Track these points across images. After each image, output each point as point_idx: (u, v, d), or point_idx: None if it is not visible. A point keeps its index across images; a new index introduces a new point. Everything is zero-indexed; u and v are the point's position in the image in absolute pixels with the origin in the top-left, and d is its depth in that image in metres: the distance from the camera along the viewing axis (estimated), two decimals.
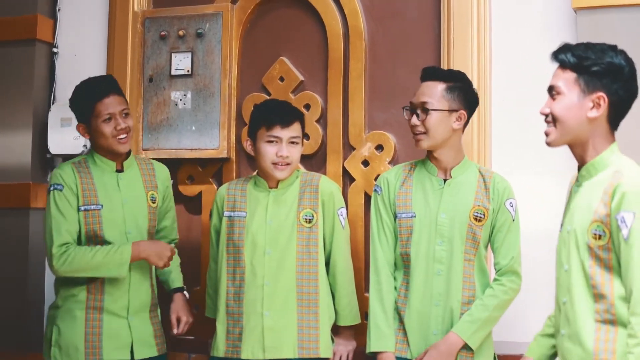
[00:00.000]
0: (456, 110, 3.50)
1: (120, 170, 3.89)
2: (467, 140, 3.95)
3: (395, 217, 3.60)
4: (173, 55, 4.58)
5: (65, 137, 4.65)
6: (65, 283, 3.80)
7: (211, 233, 3.90)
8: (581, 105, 2.79)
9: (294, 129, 3.72)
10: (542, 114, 2.87)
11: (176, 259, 4.06)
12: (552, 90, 2.86)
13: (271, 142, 3.69)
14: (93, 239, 3.76)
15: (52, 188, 3.76)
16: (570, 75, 2.81)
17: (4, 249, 4.75)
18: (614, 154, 2.83)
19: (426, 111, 3.47)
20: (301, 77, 4.43)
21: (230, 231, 3.78)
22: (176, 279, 4.04)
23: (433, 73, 3.57)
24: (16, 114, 4.80)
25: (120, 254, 3.68)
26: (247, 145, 3.81)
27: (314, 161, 4.37)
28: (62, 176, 3.77)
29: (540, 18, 4.05)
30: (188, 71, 4.54)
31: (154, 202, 3.93)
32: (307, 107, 4.37)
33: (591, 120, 2.79)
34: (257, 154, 3.74)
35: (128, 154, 3.92)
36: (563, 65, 2.84)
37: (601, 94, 2.77)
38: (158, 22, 4.63)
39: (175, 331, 3.89)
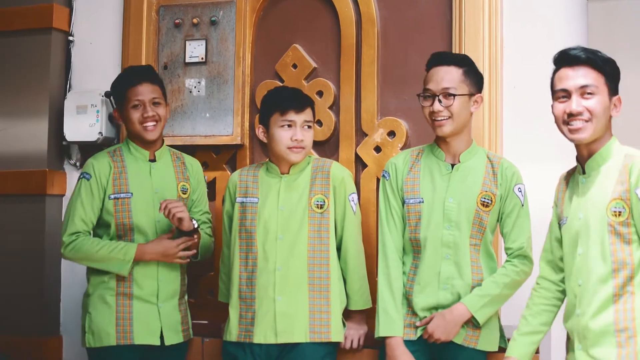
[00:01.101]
0: (473, 94, 3.54)
1: (153, 159, 3.96)
2: (478, 126, 3.97)
3: (403, 202, 3.62)
4: (187, 42, 4.61)
5: (80, 125, 4.68)
6: (96, 271, 3.89)
7: (224, 219, 3.93)
8: (609, 106, 3.06)
9: (307, 114, 3.77)
10: (577, 112, 3.02)
11: (205, 238, 4.02)
12: (583, 88, 3.02)
13: (285, 126, 3.72)
14: (122, 226, 3.86)
15: (81, 176, 3.91)
16: (600, 77, 3.04)
17: (21, 236, 4.79)
18: (616, 143, 3.11)
19: (451, 96, 3.48)
20: (314, 64, 4.45)
21: (242, 217, 3.80)
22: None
23: (447, 58, 3.59)
24: (32, 102, 4.83)
25: (124, 253, 3.78)
26: (260, 132, 3.84)
27: (327, 147, 4.39)
28: (94, 166, 3.90)
29: (553, 6, 4.06)
30: (202, 59, 4.57)
31: (184, 193, 4.00)
32: (320, 93, 4.40)
33: (611, 118, 3.09)
34: (271, 140, 3.77)
35: (161, 144, 4.00)
36: (586, 64, 3.04)
37: (619, 96, 3.09)
38: (172, 10, 4.67)
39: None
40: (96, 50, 4.90)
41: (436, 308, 3.50)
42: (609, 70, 3.06)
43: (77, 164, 4.85)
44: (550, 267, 3.27)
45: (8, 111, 4.89)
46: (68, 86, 4.91)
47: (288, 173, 3.81)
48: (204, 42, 4.58)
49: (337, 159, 4.29)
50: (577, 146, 3.12)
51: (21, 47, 4.90)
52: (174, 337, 3.90)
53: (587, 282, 2.99)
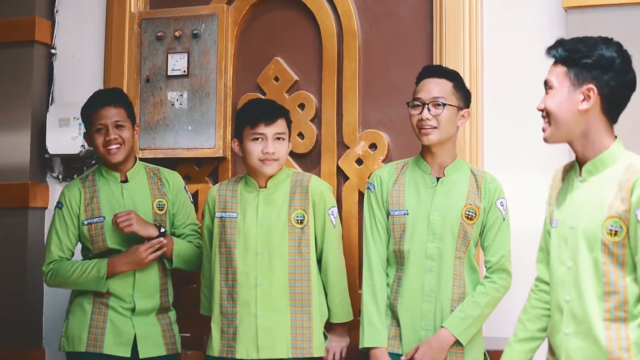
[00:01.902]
0: (461, 109, 3.58)
1: (124, 180, 3.99)
2: (460, 139, 3.98)
3: (388, 214, 3.63)
4: (169, 55, 4.62)
5: (63, 137, 4.69)
6: None
7: (204, 233, 3.92)
8: (572, 99, 2.78)
9: (279, 125, 3.75)
10: (538, 109, 2.88)
11: (182, 243, 4.01)
12: (545, 86, 2.88)
13: (256, 139, 3.72)
14: (99, 250, 3.92)
15: (55, 207, 4.00)
16: (561, 69, 2.82)
17: (3, 248, 4.79)
18: (621, 148, 2.83)
19: (440, 106, 3.51)
20: (296, 77, 4.47)
21: (222, 232, 3.80)
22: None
23: (439, 71, 3.64)
24: (15, 115, 4.83)
25: (97, 270, 3.85)
26: (235, 146, 3.84)
27: (309, 160, 4.41)
28: (64, 194, 3.99)
29: (532, 17, 4.08)
30: (184, 71, 4.58)
31: (161, 209, 4.01)
32: (302, 106, 4.41)
33: (582, 112, 2.78)
34: (245, 153, 3.77)
35: (133, 163, 4.02)
36: (555, 60, 2.85)
37: (591, 85, 2.76)
38: (154, 23, 4.67)
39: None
40: (78, 63, 4.90)
41: (419, 322, 3.52)
42: (576, 59, 2.80)
43: (60, 176, 4.85)
44: (547, 269, 3.03)
45: None
46: (50, 99, 4.91)
47: (266, 187, 3.81)
48: (186, 55, 4.59)
49: (318, 172, 4.31)
50: (572, 146, 2.88)
51: (3, 59, 4.89)
52: (152, 350, 3.90)
53: (577, 299, 2.78)
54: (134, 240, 3.88)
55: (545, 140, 2.88)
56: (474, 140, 4.08)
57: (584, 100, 2.77)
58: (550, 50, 2.88)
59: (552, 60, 2.88)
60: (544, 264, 3.06)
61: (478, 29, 4.15)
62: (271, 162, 3.73)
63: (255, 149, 3.72)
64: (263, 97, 4.44)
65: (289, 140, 3.82)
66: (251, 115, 3.75)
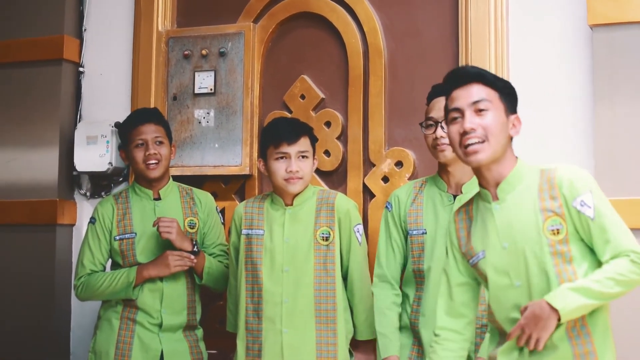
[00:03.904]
0: None
1: (157, 198, 4.03)
2: None
3: (406, 234, 3.65)
4: (196, 74, 4.66)
5: (91, 155, 4.73)
6: None
7: (230, 250, 3.94)
8: (506, 123, 2.88)
9: (302, 144, 3.75)
10: (469, 129, 2.86)
11: (213, 261, 4.05)
12: (476, 104, 2.87)
13: (280, 158, 3.73)
14: (129, 264, 3.97)
15: (88, 222, 4.06)
16: (493, 93, 2.87)
17: (32, 265, 4.82)
18: (523, 162, 2.92)
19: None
20: (322, 95, 4.50)
21: (248, 249, 3.81)
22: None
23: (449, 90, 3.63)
24: (43, 132, 4.88)
25: (127, 276, 3.90)
26: (261, 165, 3.85)
27: (335, 177, 4.44)
28: (98, 210, 4.05)
29: (557, 35, 4.09)
30: (211, 90, 4.62)
31: (192, 228, 4.05)
32: (328, 124, 4.44)
33: (511, 139, 2.91)
34: (270, 173, 3.78)
35: (167, 182, 4.07)
36: (481, 82, 2.89)
37: (517, 115, 2.93)
38: (181, 42, 4.72)
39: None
40: (106, 81, 4.95)
41: None
42: (501, 86, 2.90)
43: (87, 193, 4.89)
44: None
45: (19, 141, 4.93)
46: (78, 116, 4.95)
47: (292, 205, 3.81)
48: (212, 73, 4.62)
49: (345, 189, 4.33)
50: (480, 172, 2.90)
51: (32, 77, 4.95)
52: None
53: None
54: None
55: (481, 161, 2.87)
56: None
57: (512, 127, 2.90)
58: (470, 70, 2.96)
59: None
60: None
61: (504, 47, 4.15)
62: (296, 180, 3.74)
63: (279, 168, 3.73)
64: (289, 115, 4.47)
65: (314, 158, 3.83)
66: (274, 135, 3.76)
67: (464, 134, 2.83)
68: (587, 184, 2.78)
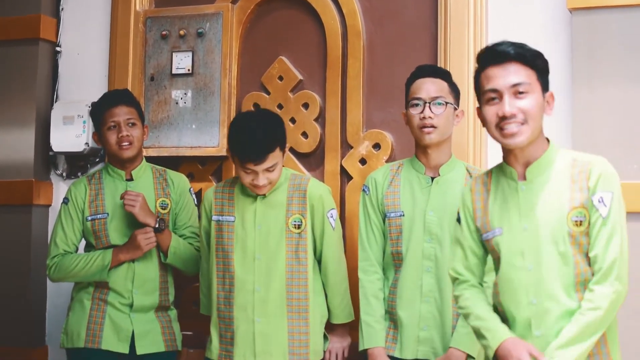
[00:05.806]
0: (457, 108, 3.60)
1: (130, 179, 4.02)
2: (462, 141, 4.00)
3: (384, 216, 3.63)
4: (174, 54, 4.63)
5: (67, 135, 4.70)
6: None
7: (202, 234, 3.86)
8: (543, 104, 2.84)
9: (270, 160, 3.54)
10: (510, 114, 2.81)
11: (181, 242, 4.02)
12: (515, 87, 2.81)
13: (247, 172, 3.58)
14: (102, 245, 3.95)
15: (62, 202, 4.05)
16: (532, 73, 2.82)
17: (7, 246, 4.80)
18: (556, 146, 2.90)
19: (442, 105, 3.50)
20: (300, 76, 4.48)
21: (219, 235, 3.74)
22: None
23: (436, 71, 3.64)
24: (19, 112, 4.85)
25: (102, 259, 3.88)
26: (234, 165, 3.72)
27: (312, 159, 4.42)
28: (71, 190, 4.05)
29: (536, 18, 4.08)
30: (189, 70, 4.59)
31: (164, 209, 4.04)
32: (306, 106, 4.42)
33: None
34: (237, 173, 3.67)
35: (139, 162, 4.06)
36: (521, 62, 2.82)
37: (551, 92, 2.88)
38: (159, 22, 4.68)
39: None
40: (83, 61, 4.91)
41: (417, 323, 3.51)
42: (540, 65, 2.84)
43: (64, 174, 4.86)
44: (470, 272, 3.01)
45: None
46: (55, 96, 4.92)
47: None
48: (190, 54, 4.60)
49: (322, 171, 4.32)
50: (510, 150, 2.85)
51: (8, 57, 4.91)
52: (150, 347, 3.92)
53: (545, 300, 2.76)
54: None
55: (520, 143, 2.83)
56: (477, 140, 4.07)
57: (547, 106, 2.87)
58: (510, 49, 2.84)
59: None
60: (464, 267, 3.02)
61: (482, 29, 4.14)
62: (262, 188, 3.62)
63: (246, 178, 3.60)
64: (267, 96, 4.46)
65: (283, 156, 3.66)
66: (240, 152, 3.56)
67: (503, 117, 2.78)
68: (613, 184, 2.78)
